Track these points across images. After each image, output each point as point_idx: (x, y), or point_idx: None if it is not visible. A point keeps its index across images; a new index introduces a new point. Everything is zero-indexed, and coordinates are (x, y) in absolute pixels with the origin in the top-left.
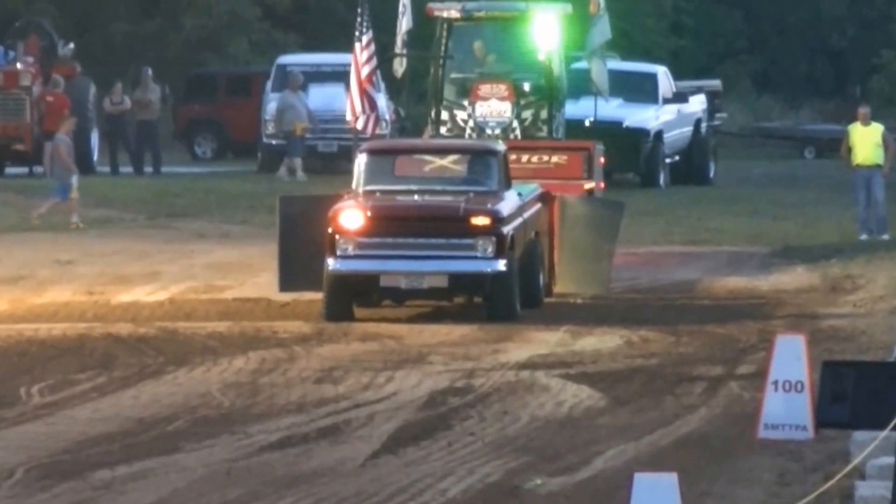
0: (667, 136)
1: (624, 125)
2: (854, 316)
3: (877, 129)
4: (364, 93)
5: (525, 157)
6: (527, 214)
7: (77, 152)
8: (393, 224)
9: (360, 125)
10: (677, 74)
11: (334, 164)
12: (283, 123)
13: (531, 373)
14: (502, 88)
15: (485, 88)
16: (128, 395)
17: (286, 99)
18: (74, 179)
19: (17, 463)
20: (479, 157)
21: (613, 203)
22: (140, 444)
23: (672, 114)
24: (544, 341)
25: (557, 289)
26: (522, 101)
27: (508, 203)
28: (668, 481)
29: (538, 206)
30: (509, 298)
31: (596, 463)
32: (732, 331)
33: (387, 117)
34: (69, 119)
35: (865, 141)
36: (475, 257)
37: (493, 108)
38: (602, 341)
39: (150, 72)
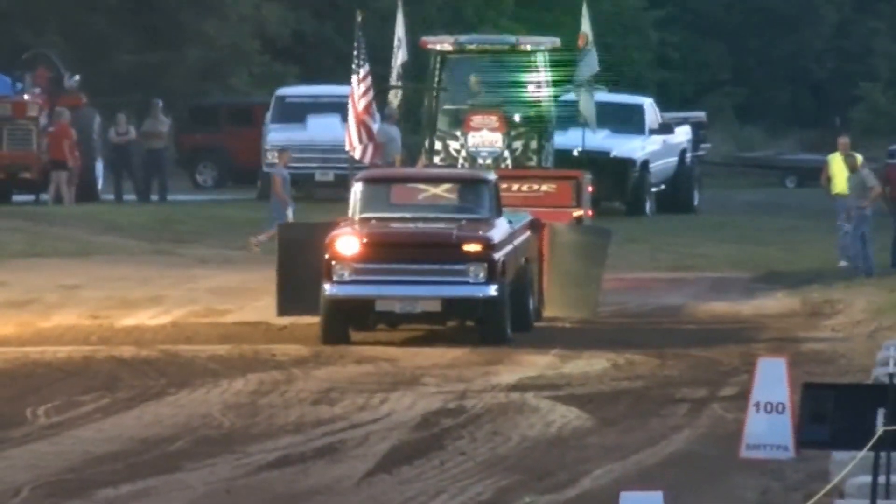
0: (653, 166)
1: (611, 155)
2: (834, 340)
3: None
4: (362, 123)
5: (516, 186)
6: (517, 241)
7: (82, 181)
8: (388, 250)
9: (357, 154)
10: (663, 106)
11: (332, 192)
12: (386, 155)
13: (521, 394)
14: (494, 119)
15: (477, 119)
16: (131, 415)
17: (387, 131)
18: (290, 212)
19: (24, 481)
20: (471, 186)
21: (601, 230)
22: (143, 463)
23: (658, 144)
24: (534, 364)
25: (547, 313)
26: (513, 132)
27: (500, 230)
28: (654, 499)
29: (528, 233)
30: (500, 322)
31: (584, 481)
32: (716, 354)
33: None
34: (286, 152)
35: (845, 171)
36: (467, 282)
37: (485, 138)
38: (590, 364)
39: (160, 103)
